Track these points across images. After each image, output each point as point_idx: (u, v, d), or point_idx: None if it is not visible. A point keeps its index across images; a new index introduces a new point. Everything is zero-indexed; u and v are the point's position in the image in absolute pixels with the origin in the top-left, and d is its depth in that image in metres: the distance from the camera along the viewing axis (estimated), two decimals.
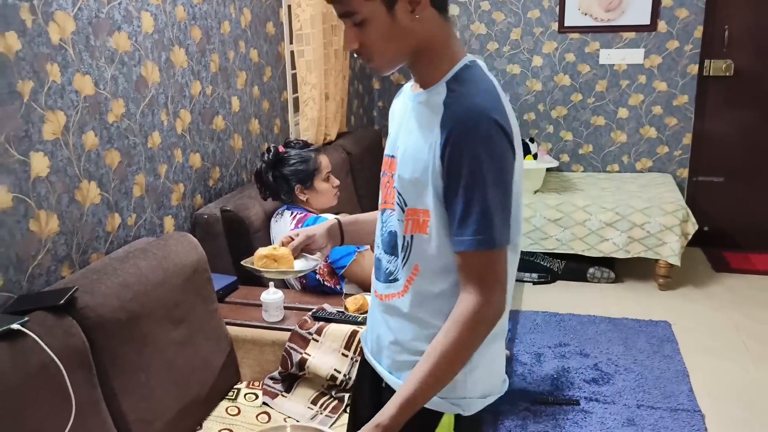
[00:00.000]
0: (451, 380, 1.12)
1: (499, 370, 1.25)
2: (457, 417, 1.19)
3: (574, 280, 3.89)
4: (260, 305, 2.14)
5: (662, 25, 4.15)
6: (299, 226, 2.35)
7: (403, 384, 1.12)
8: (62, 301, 1.50)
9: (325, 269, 2.35)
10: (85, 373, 1.50)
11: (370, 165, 3.65)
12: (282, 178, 2.44)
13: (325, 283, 2.35)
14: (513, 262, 1.16)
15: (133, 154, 2.08)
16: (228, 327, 2.07)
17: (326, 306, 2.14)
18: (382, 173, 1.24)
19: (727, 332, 3.23)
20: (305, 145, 2.54)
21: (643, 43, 4.20)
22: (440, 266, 1.13)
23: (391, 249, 1.21)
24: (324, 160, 2.51)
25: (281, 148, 2.48)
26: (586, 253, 3.78)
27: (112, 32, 1.96)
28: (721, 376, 2.84)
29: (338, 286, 2.35)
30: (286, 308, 2.15)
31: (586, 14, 4.23)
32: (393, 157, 1.20)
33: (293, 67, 3.32)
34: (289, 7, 3.25)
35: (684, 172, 4.35)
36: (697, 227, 3.69)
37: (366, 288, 2.29)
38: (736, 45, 4.08)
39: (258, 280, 2.21)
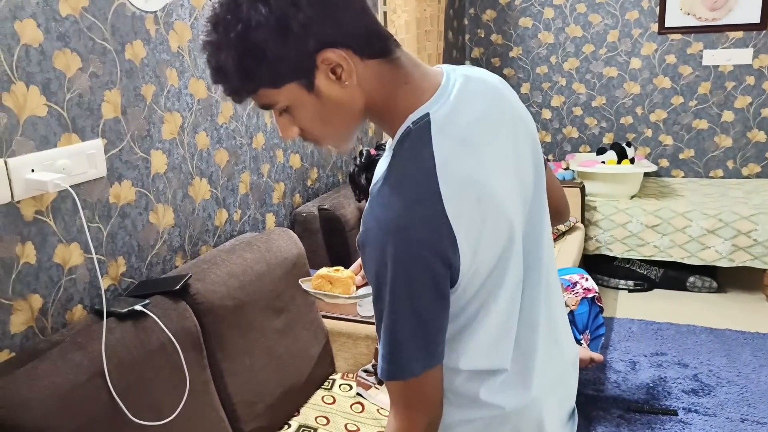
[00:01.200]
0: None
1: None
2: None
3: (673, 289, 3.74)
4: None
5: None
6: None
7: None
8: (177, 287, 1.63)
9: None
10: (196, 354, 1.62)
11: None
12: None
13: None
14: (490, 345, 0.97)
15: (239, 153, 2.21)
16: (324, 320, 2.16)
17: None
18: None
19: None
20: None
21: (752, 42, 4.00)
22: None
23: None
24: None
25: (373, 151, 2.56)
26: (686, 261, 3.63)
27: None
28: None
29: None
30: None
31: (688, 14, 4.07)
32: None
33: None
34: (385, 13, 3.33)
35: None
36: None
37: None
38: None
39: None
